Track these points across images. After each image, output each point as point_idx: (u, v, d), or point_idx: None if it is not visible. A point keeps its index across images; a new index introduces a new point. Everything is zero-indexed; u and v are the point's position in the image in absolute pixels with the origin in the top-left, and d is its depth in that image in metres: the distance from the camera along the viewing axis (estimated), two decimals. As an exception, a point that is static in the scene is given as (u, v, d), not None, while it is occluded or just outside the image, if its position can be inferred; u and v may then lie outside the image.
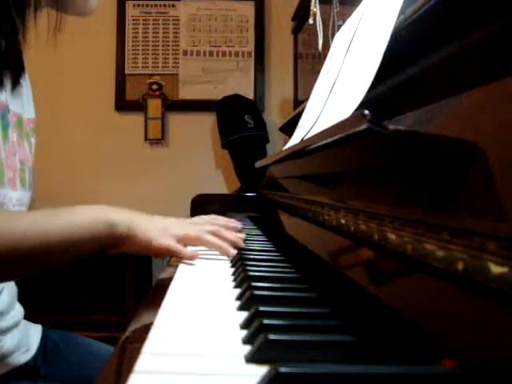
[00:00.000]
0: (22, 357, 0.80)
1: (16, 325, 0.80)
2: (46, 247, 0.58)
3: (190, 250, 0.71)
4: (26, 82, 0.82)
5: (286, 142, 1.26)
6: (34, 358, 0.83)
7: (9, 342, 0.77)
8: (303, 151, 0.68)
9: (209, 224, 0.79)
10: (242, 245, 0.77)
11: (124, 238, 0.64)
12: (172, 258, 0.75)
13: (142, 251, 0.68)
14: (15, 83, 0.76)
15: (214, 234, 0.75)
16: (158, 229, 0.68)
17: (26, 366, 0.80)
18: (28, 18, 0.70)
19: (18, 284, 0.84)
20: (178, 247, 0.69)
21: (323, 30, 1.52)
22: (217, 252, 0.75)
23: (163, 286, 0.55)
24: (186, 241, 0.72)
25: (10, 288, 0.79)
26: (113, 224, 0.63)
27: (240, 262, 0.64)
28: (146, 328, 0.39)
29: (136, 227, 0.65)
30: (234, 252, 0.73)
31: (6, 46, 0.69)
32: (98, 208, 0.65)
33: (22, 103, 0.79)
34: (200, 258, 0.73)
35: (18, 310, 0.82)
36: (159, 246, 0.67)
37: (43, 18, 0.77)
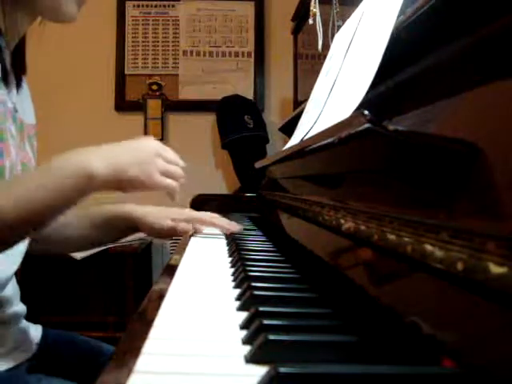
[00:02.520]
0: (23, 355, 0.80)
1: (18, 319, 0.81)
2: (32, 212, 0.61)
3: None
4: (24, 88, 0.83)
5: (285, 142, 1.26)
6: (35, 356, 0.83)
7: (11, 338, 0.78)
8: (303, 151, 0.68)
9: None
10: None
11: (112, 180, 0.66)
12: (172, 259, 0.75)
13: (133, 190, 0.71)
14: (19, 84, 0.78)
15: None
16: (148, 166, 0.70)
17: (27, 363, 0.81)
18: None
19: (19, 283, 0.85)
20: (172, 183, 0.73)
21: (323, 31, 1.52)
22: (216, 252, 0.76)
23: (163, 286, 0.55)
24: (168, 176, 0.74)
25: (13, 282, 0.82)
26: (94, 172, 0.63)
27: (240, 262, 0.64)
28: (146, 328, 0.39)
29: (123, 170, 0.67)
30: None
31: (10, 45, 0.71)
32: (77, 157, 0.64)
33: (23, 109, 0.81)
34: (199, 259, 0.73)
35: (21, 307, 0.83)
36: (154, 184, 0.70)
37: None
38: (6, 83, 0.73)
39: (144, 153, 0.71)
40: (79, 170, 0.63)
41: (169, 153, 0.74)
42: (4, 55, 0.71)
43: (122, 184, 0.68)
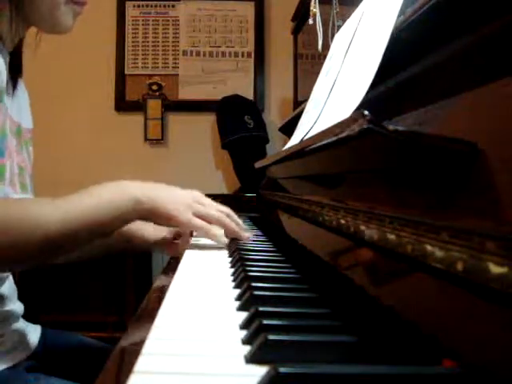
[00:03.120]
0: (22, 354, 0.80)
1: (16, 317, 0.82)
2: (77, 230, 0.62)
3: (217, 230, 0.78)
4: (22, 91, 0.83)
5: (285, 143, 1.26)
6: (34, 356, 0.83)
7: (9, 337, 0.78)
8: (303, 151, 0.68)
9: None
10: (243, 235, 0.82)
11: (148, 212, 0.69)
12: (172, 259, 0.75)
13: (167, 224, 0.75)
14: (14, 86, 0.78)
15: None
16: (183, 204, 0.73)
17: (26, 363, 0.81)
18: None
19: (17, 283, 0.85)
20: (206, 225, 0.75)
21: (323, 31, 1.52)
22: (216, 252, 0.77)
23: (163, 286, 0.55)
24: (204, 219, 0.76)
25: (9, 280, 0.82)
26: (137, 200, 0.67)
27: (240, 263, 0.64)
28: (146, 328, 0.39)
29: (159, 202, 0.69)
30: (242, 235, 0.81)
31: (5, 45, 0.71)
32: (121, 185, 0.68)
33: (21, 113, 0.81)
34: (199, 259, 0.73)
35: (19, 306, 0.84)
36: (185, 221, 0.72)
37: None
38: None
39: (181, 194, 0.75)
40: (124, 193, 0.66)
41: (205, 199, 0.78)
42: (3, 58, 0.71)
43: (156, 216, 0.70)
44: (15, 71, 0.79)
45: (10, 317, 0.79)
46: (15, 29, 0.73)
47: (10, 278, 0.82)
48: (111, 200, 0.65)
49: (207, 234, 0.76)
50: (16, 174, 0.76)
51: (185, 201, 0.74)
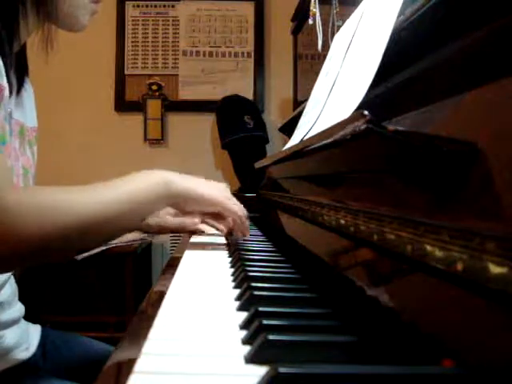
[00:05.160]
0: (22, 354, 0.80)
1: (16, 321, 0.81)
2: (118, 213, 0.63)
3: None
4: (27, 89, 0.83)
5: (285, 142, 1.26)
6: (34, 356, 0.83)
7: (9, 337, 0.78)
8: (303, 151, 0.68)
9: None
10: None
11: (180, 194, 0.71)
12: (172, 259, 0.75)
13: (199, 207, 0.77)
14: (19, 87, 0.77)
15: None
16: (213, 188, 0.78)
17: (26, 363, 0.81)
18: (20, 27, 0.71)
19: (18, 283, 0.85)
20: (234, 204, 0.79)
21: (323, 31, 1.52)
22: (216, 252, 0.77)
23: (163, 286, 0.55)
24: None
25: (11, 283, 0.81)
26: (170, 182, 0.70)
27: (240, 263, 0.64)
28: (146, 328, 0.39)
29: (193, 185, 0.73)
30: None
31: (11, 48, 0.71)
32: (154, 172, 0.70)
33: (25, 112, 0.80)
34: (199, 258, 0.73)
35: (19, 308, 0.83)
36: (218, 199, 0.76)
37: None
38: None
39: (211, 183, 0.80)
40: (158, 177, 0.69)
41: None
42: (11, 60, 0.70)
43: (191, 198, 0.73)
44: (21, 71, 0.79)
45: (10, 320, 0.79)
46: (31, 23, 0.72)
47: (11, 281, 0.82)
48: (146, 183, 0.67)
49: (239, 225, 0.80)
50: (20, 175, 0.76)
51: (217, 188, 0.78)
